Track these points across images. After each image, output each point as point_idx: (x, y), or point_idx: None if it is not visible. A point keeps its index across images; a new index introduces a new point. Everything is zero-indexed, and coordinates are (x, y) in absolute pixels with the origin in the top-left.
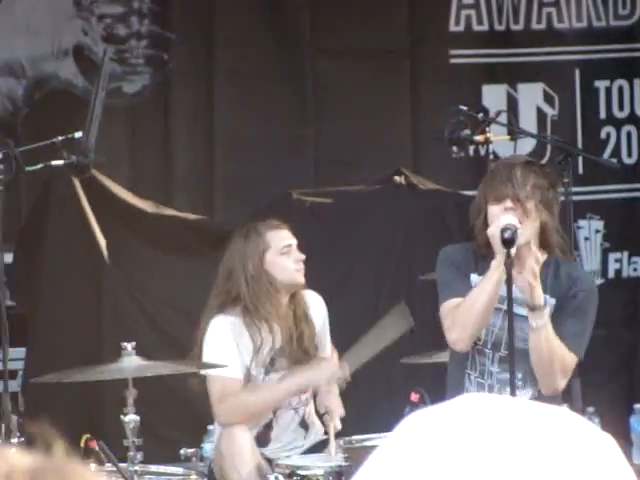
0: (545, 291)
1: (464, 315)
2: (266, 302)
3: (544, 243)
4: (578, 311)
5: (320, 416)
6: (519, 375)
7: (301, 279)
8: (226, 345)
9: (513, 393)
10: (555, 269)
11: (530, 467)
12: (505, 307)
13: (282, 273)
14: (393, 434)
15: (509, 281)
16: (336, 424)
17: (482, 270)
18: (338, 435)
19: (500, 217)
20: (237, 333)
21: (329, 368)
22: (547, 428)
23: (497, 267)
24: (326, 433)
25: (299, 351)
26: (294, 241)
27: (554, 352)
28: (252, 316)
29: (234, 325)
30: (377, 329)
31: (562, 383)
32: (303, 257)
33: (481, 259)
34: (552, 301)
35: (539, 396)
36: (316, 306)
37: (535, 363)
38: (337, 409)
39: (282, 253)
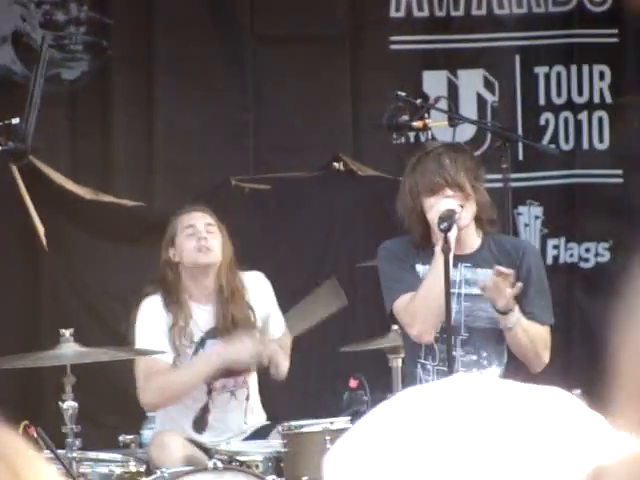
0: (493, 267)
1: (421, 307)
2: (179, 285)
3: (479, 222)
4: (537, 282)
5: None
6: (484, 354)
7: (202, 258)
8: (152, 326)
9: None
10: (498, 244)
11: (519, 446)
12: (459, 290)
13: (185, 254)
14: (378, 410)
15: (447, 266)
16: (282, 370)
17: (425, 259)
18: (276, 421)
19: (440, 202)
20: (162, 314)
21: (252, 344)
22: (537, 408)
23: (441, 254)
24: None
25: (234, 332)
26: (201, 221)
27: (533, 338)
28: (172, 298)
29: (159, 307)
30: (307, 303)
31: (546, 356)
32: (205, 236)
33: (422, 249)
34: (488, 271)
35: (506, 374)
36: (257, 287)
37: (519, 354)
38: (281, 358)
39: (185, 235)
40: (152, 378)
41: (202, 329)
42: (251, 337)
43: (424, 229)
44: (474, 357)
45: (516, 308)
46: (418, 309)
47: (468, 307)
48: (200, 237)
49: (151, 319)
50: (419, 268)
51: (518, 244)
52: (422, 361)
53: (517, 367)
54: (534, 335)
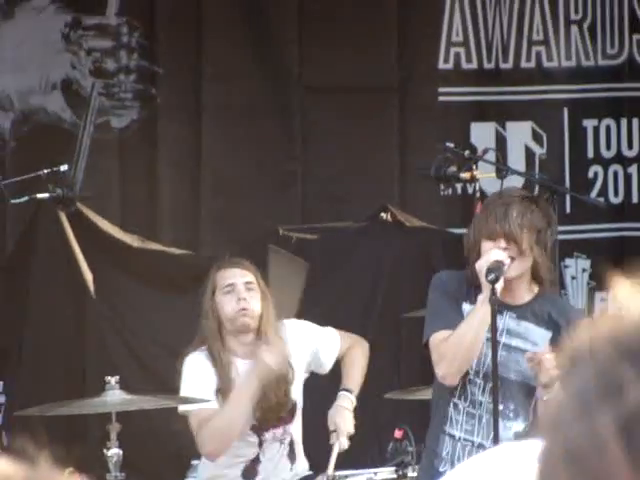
0: (541, 324)
1: (452, 350)
2: (220, 342)
3: (536, 278)
4: None
5: (330, 432)
6: (511, 406)
7: (241, 320)
8: (198, 381)
9: (497, 425)
10: (549, 303)
11: None
12: (498, 338)
13: (223, 313)
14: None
15: (493, 318)
16: (342, 442)
17: (473, 299)
18: (319, 470)
19: (490, 252)
20: (207, 370)
21: (270, 356)
22: None
23: (483, 302)
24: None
25: (276, 384)
26: (241, 279)
27: None
28: (212, 355)
29: (204, 362)
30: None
31: None
32: (245, 297)
33: (474, 288)
34: (548, 334)
35: (529, 430)
36: (294, 335)
37: None
38: (345, 426)
39: (224, 293)
40: (204, 428)
41: None
42: (273, 347)
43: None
44: (500, 407)
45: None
46: (448, 351)
47: (504, 357)
48: (240, 298)
49: (197, 374)
50: (465, 307)
51: (571, 311)
52: (455, 400)
53: None
54: None
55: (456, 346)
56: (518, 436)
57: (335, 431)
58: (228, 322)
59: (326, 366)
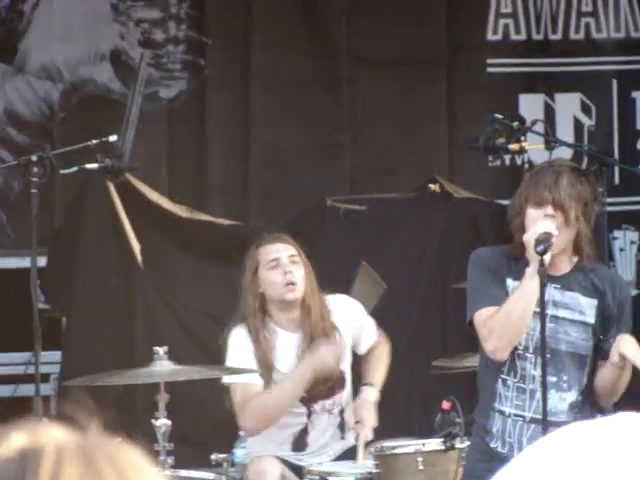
0: (586, 293)
1: (501, 325)
2: (264, 316)
3: (576, 249)
4: (628, 323)
5: (355, 423)
6: (564, 377)
7: (289, 295)
8: (243, 354)
9: (545, 397)
10: (592, 272)
11: None
12: (547, 311)
13: (270, 288)
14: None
15: (542, 290)
16: (367, 434)
17: (516, 274)
18: (370, 443)
19: (538, 223)
20: (250, 344)
21: (328, 348)
22: None
23: (532, 275)
24: (357, 440)
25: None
26: (285, 253)
27: (623, 382)
28: (256, 330)
29: (247, 337)
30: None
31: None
32: (291, 270)
33: (514, 262)
34: (594, 302)
35: (583, 399)
36: (344, 310)
37: (601, 388)
38: (370, 419)
39: (269, 268)
40: (249, 403)
41: (290, 358)
42: (331, 342)
43: (522, 238)
44: (554, 379)
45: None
46: (498, 325)
47: (552, 328)
48: (286, 271)
49: (241, 347)
50: (509, 282)
51: (614, 277)
52: (504, 376)
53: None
54: (625, 382)
55: (505, 320)
56: (573, 406)
57: (359, 422)
58: (275, 297)
59: (363, 347)
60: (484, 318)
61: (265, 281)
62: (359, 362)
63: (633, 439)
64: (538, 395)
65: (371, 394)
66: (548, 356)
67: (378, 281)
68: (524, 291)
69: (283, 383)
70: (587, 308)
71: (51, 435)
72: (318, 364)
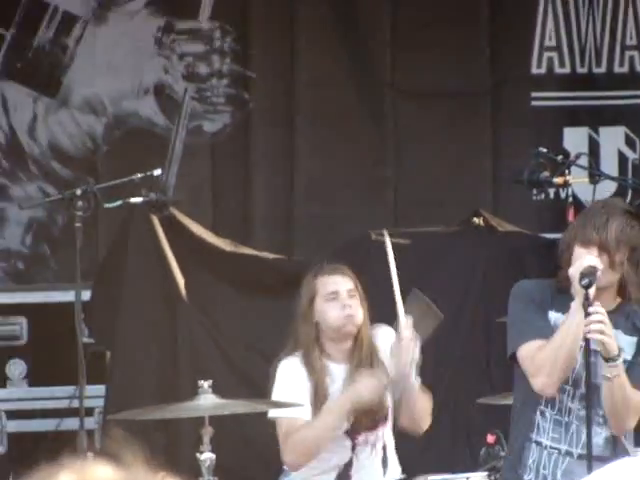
0: (627, 332)
1: (550, 360)
2: (317, 347)
3: (621, 292)
4: None
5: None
6: (600, 412)
7: (346, 328)
8: (292, 387)
9: (590, 432)
10: (635, 312)
11: None
12: (585, 345)
13: (326, 320)
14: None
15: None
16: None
17: (559, 306)
18: (411, 475)
19: (584, 257)
20: (302, 375)
21: (369, 380)
22: None
23: (577, 309)
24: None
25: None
26: (344, 287)
27: (628, 398)
28: (307, 361)
29: (299, 367)
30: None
31: (633, 424)
32: (350, 304)
33: (558, 295)
34: (634, 339)
35: (616, 437)
36: (388, 342)
37: (608, 409)
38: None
39: (327, 300)
40: (290, 437)
41: (338, 389)
42: (372, 375)
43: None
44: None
45: (621, 360)
46: (545, 361)
47: (592, 363)
48: (345, 305)
49: (291, 379)
50: (552, 315)
51: None
52: (542, 408)
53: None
54: (630, 398)
55: (555, 355)
56: (608, 441)
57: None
58: (331, 329)
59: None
60: (531, 353)
61: (322, 312)
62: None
63: None
64: (574, 428)
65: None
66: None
67: (432, 309)
68: (571, 325)
69: (322, 415)
70: (626, 345)
71: (98, 473)
72: (355, 397)
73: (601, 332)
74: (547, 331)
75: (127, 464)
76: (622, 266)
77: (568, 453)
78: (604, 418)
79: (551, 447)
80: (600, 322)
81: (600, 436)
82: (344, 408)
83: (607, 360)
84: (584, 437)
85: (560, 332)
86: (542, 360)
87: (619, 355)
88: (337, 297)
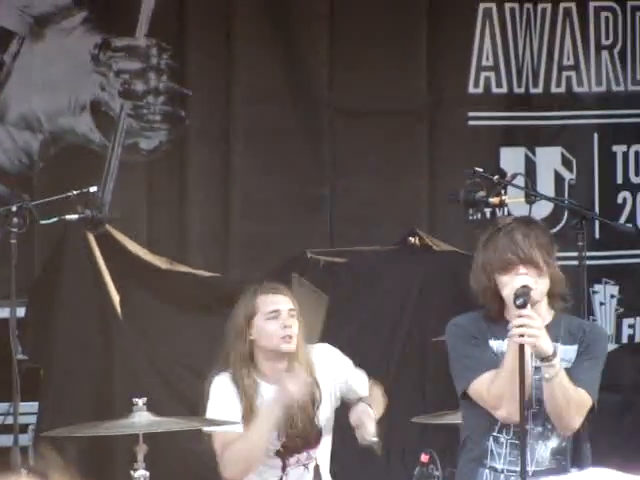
0: (564, 341)
1: (506, 389)
2: (252, 366)
3: (552, 293)
4: (594, 359)
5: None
6: (549, 426)
7: (285, 347)
8: (225, 403)
9: (524, 443)
10: (569, 323)
11: None
12: (532, 364)
13: (265, 339)
14: None
15: (522, 347)
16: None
17: (497, 333)
18: None
19: (515, 279)
20: (234, 393)
21: (293, 385)
22: None
23: (515, 336)
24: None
25: (302, 410)
26: (285, 306)
27: (570, 397)
28: (241, 379)
29: (231, 385)
30: None
31: (579, 422)
32: (291, 324)
33: (492, 323)
34: (574, 348)
35: (565, 445)
36: (324, 359)
37: (552, 410)
38: (370, 420)
39: (268, 318)
40: (225, 452)
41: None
42: (297, 376)
43: (500, 305)
44: (540, 429)
45: (557, 360)
46: (504, 390)
47: (537, 380)
48: (285, 325)
49: (224, 396)
50: (492, 343)
51: (585, 324)
52: (495, 434)
53: (578, 442)
54: (571, 396)
55: (509, 382)
56: (554, 453)
57: (359, 425)
58: (269, 348)
59: (359, 391)
60: (485, 386)
61: (261, 330)
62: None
63: None
64: (529, 447)
65: (369, 409)
66: (538, 407)
67: (317, 293)
68: (516, 349)
69: (254, 424)
70: (568, 355)
71: None
72: (285, 399)
73: (523, 335)
74: (492, 361)
75: None
76: (548, 267)
77: (524, 472)
78: (551, 430)
79: (507, 470)
80: (521, 326)
81: (547, 450)
82: (275, 413)
83: (542, 360)
84: (536, 454)
85: (507, 359)
86: (500, 390)
87: (554, 355)
88: (278, 316)
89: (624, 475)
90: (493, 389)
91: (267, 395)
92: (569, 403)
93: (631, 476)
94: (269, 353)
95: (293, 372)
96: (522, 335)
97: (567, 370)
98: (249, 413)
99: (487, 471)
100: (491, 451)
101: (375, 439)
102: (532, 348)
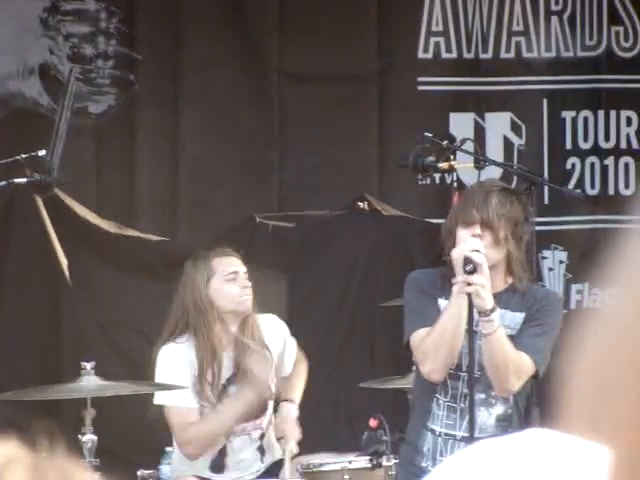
0: (513, 308)
1: (434, 345)
2: (211, 329)
3: (508, 271)
4: (542, 325)
5: (277, 440)
6: (492, 393)
7: (246, 306)
8: (175, 373)
9: (472, 405)
10: (523, 290)
11: None
12: (475, 328)
13: (226, 300)
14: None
15: (470, 306)
16: (292, 448)
17: (448, 293)
18: (296, 457)
19: (466, 240)
20: (185, 360)
21: (257, 384)
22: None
23: (459, 293)
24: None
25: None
26: (242, 268)
27: (507, 356)
28: (198, 344)
29: (182, 352)
30: None
31: (516, 385)
32: (249, 284)
33: (447, 282)
34: (522, 315)
35: (511, 412)
36: (272, 329)
37: (489, 368)
38: (293, 433)
39: (227, 280)
40: (188, 430)
41: (224, 376)
42: (266, 371)
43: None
44: (483, 396)
45: (496, 315)
46: (430, 347)
47: (481, 345)
48: (245, 286)
49: (173, 363)
50: (441, 302)
51: (539, 291)
52: (437, 395)
53: (526, 408)
54: (510, 356)
55: (438, 341)
56: (499, 419)
57: (283, 438)
58: (227, 309)
59: (287, 368)
60: (419, 340)
61: (220, 292)
62: (278, 379)
63: (538, 457)
64: (467, 413)
65: (292, 410)
66: (479, 373)
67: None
68: (453, 310)
69: (223, 412)
70: (514, 322)
71: (3, 449)
72: (253, 399)
73: (470, 284)
74: (435, 319)
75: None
76: (507, 242)
77: (464, 439)
78: (495, 398)
79: (446, 434)
80: (470, 273)
81: (492, 416)
82: (247, 402)
83: (480, 315)
84: (480, 420)
85: (443, 317)
86: (427, 346)
87: (493, 310)
88: (236, 277)
89: (565, 435)
90: (423, 344)
91: (222, 360)
92: (507, 363)
93: (572, 436)
94: (226, 315)
95: (250, 351)
96: (468, 283)
97: (513, 337)
98: (205, 378)
99: (429, 433)
100: (432, 412)
101: (289, 455)
102: (473, 299)
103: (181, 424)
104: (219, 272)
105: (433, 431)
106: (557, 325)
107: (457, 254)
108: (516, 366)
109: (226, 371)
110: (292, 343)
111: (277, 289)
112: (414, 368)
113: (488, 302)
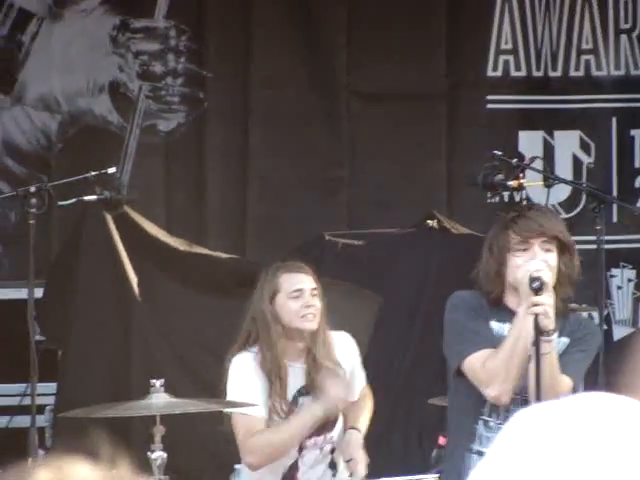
0: (559, 333)
1: (503, 368)
2: (275, 343)
3: (556, 288)
4: (583, 350)
5: (346, 462)
6: None
7: (307, 325)
8: (247, 383)
9: None
10: (568, 315)
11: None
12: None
13: (288, 317)
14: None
15: (537, 326)
16: (361, 470)
17: (500, 316)
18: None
19: (530, 262)
20: (257, 370)
21: (339, 395)
22: None
23: (526, 314)
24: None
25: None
26: (308, 285)
27: (555, 379)
28: (266, 356)
29: (254, 362)
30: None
31: None
32: (313, 302)
33: (493, 306)
34: (566, 340)
35: None
36: (344, 348)
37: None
38: (361, 457)
39: (291, 297)
40: (253, 439)
41: (294, 387)
42: (338, 388)
43: (501, 289)
44: None
45: (554, 337)
46: (500, 369)
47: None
48: (308, 304)
49: (245, 377)
50: (494, 325)
51: (581, 318)
52: (485, 418)
53: None
54: (556, 379)
55: (508, 362)
56: None
57: (351, 460)
58: (291, 325)
59: (354, 393)
60: (480, 362)
61: (283, 308)
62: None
63: (594, 419)
64: None
65: (358, 436)
66: (526, 395)
67: (365, 294)
68: (522, 330)
69: (292, 423)
70: (557, 346)
71: (76, 470)
72: (329, 409)
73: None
74: (492, 340)
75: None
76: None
77: None
78: None
79: None
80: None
81: None
82: (316, 417)
83: (541, 333)
84: None
85: (510, 338)
86: (495, 368)
87: (554, 330)
88: (301, 295)
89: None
90: (489, 364)
91: (291, 374)
92: (553, 386)
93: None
94: (291, 332)
95: (332, 372)
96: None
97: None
98: (276, 392)
99: (474, 456)
100: (480, 435)
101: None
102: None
103: (247, 432)
104: (284, 289)
105: (481, 453)
106: (595, 348)
107: (523, 275)
108: (560, 389)
109: (296, 383)
110: (361, 373)
111: (369, 308)
112: (450, 389)
113: (551, 322)
